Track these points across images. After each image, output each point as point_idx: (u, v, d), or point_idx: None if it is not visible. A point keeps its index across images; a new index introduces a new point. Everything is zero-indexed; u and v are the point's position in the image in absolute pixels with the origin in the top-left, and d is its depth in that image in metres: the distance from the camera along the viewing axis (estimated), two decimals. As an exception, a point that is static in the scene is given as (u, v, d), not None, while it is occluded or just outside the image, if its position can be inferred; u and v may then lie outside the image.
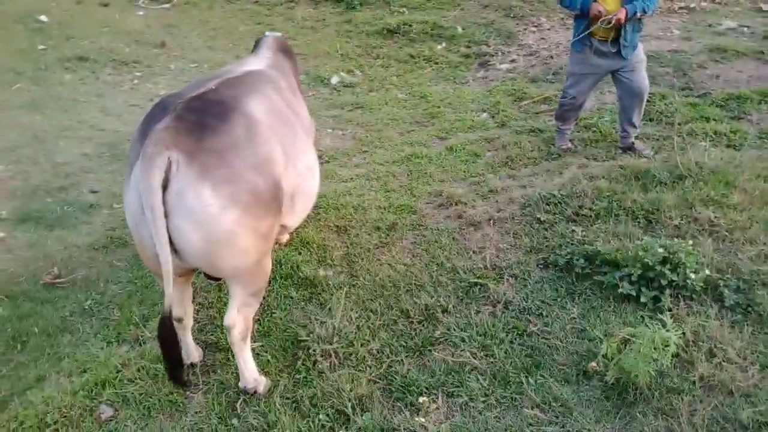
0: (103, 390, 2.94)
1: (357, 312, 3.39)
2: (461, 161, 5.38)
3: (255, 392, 2.88)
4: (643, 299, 2.94)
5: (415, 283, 3.60)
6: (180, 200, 2.30)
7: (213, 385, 3.00)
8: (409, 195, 4.81)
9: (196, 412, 2.83)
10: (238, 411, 2.79)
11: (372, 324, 3.27)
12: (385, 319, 3.32)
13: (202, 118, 2.47)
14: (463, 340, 3.02)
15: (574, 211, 3.90)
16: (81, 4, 11.60)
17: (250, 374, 2.87)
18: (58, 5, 11.47)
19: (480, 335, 3.05)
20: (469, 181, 4.96)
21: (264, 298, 3.60)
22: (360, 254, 4.02)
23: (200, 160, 2.35)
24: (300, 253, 4.04)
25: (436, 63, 8.34)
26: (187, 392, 2.96)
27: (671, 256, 2.97)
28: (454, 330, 3.12)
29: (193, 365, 3.11)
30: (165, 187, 2.30)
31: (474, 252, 3.79)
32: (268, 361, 3.08)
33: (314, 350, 3.08)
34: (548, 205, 4.06)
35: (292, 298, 3.60)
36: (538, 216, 3.96)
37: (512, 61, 7.94)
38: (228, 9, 11.26)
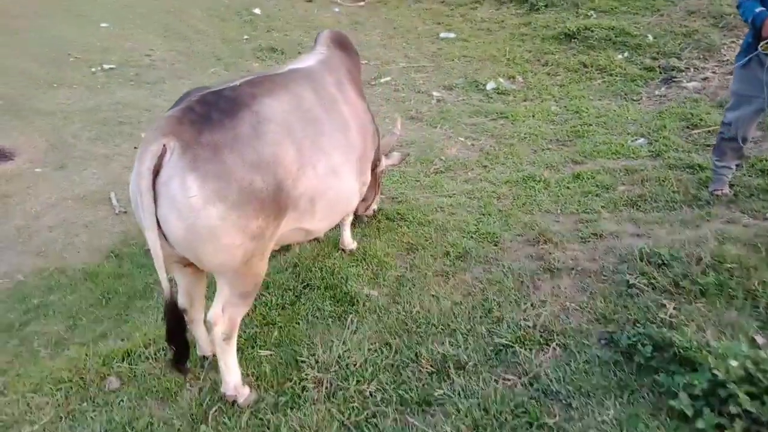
0: (122, 362, 3.14)
1: (372, 343, 3.07)
2: (582, 193, 4.59)
3: (234, 402, 2.77)
4: (700, 424, 2.07)
5: (449, 326, 3.14)
6: (166, 188, 2.28)
7: (212, 383, 2.98)
8: (501, 222, 4.26)
9: (182, 407, 2.85)
10: (209, 420, 2.72)
11: (378, 361, 2.93)
12: (395, 360, 2.95)
13: (209, 111, 2.44)
14: (459, 411, 2.51)
15: (675, 279, 2.99)
16: (290, 0, 12.83)
17: (231, 381, 2.75)
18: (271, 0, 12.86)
19: (481, 410, 2.50)
20: (577, 217, 4.19)
21: (292, 305, 3.53)
22: (415, 279, 3.67)
23: (193, 152, 2.30)
24: (356, 266, 3.85)
25: (610, 74, 7.29)
26: (187, 383, 3.00)
27: (760, 375, 2.05)
28: (457, 394, 2.62)
29: (205, 358, 3.14)
30: (158, 173, 2.30)
31: (533, 305, 3.17)
32: (265, 373, 2.96)
33: (307, 375, 2.87)
34: (649, 264, 3.19)
35: (322, 311, 3.43)
36: (629, 277, 3.14)
37: (704, 79, 6.54)
38: (414, 8, 11.38)
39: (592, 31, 8.12)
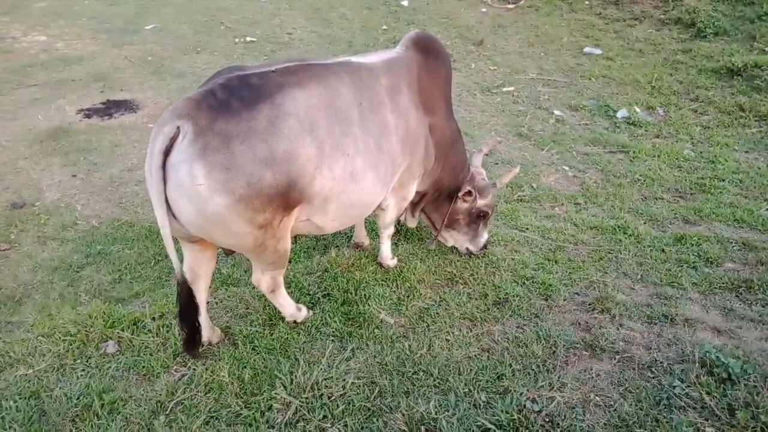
0: (127, 329, 3.20)
1: (358, 378, 2.79)
2: (676, 260, 3.83)
3: (295, 322, 3.23)
4: None
5: (447, 382, 2.75)
6: (175, 172, 2.28)
7: (200, 377, 2.90)
8: (563, 274, 3.70)
9: (155, 390, 2.81)
10: (168, 411, 2.65)
11: (354, 401, 2.65)
12: (372, 404, 2.64)
13: (229, 98, 2.36)
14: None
15: (732, 405, 2.29)
16: (441, -5, 12.58)
17: (287, 312, 3.21)
18: (423, -7, 12.71)
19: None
20: (656, 290, 3.49)
21: (311, 308, 3.36)
22: (438, 316, 3.30)
23: (205, 140, 2.26)
24: (384, 286, 3.57)
25: (770, 124, 6.08)
26: (173, 367, 2.97)
27: None
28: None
29: (211, 344, 3.10)
30: (167, 154, 2.29)
31: (551, 385, 2.65)
32: (243, 379, 2.82)
33: (278, 394, 2.69)
34: (709, 375, 2.50)
35: (328, 326, 3.21)
36: (676, 384, 2.49)
37: None
38: (565, 18, 10.53)
39: (762, 70, 6.83)
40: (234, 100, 2.36)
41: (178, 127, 2.27)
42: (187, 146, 2.26)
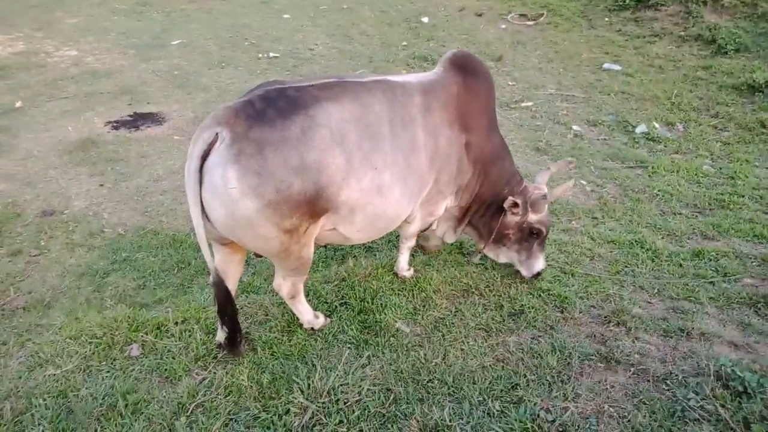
0: (150, 333, 3.30)
1: (374, 384, 2.84)
2: (694, 275, 3.82)
3: (313, 329, 3.30)
4: None
5: (461, 391, 2.79)
6: (210, 175, 2.42)
7: (220, 380, 2.98)
8: (579, 287, 3.71)
9: (177, 392, 2.89)
10: (188, 413, 2.73)
11: (370, 406, 2.69)
12: (388, 411, 2.68)
13: (266, 108, 2.50)
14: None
15: (747, 418, 2.29)
16: (462, 12, 12.73)
17: (305, 319, 3.28)
18: (444, 10, 12.88)
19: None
20: (673, 304, 3.49)
21: (329, 316, 3.42)
22: (454, 327, 3.34)
23: (240, 146, 2.40)
24: (400, 296, 3.62)
25: (792, 140, 6.03)
26: (194, 371, 3.05)
27: None
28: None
29: (221, 346, 3.16)
30: (206, 158, 2.44)
31: (565, 396, 2.67)
32: (262, 384, 2.89)
33: (295, 398, 2.75)
34: (725, 388, 2.50)
35: (345, 334, 3.27)
36: (691, 397, 2.49)
37: None
38: (585, 34, 10.58)
39: (785, 86, 6.80)
40: (271, 110, 2.50)
41: (217, 134, 2.43)
42: (223, 151, 2.40)
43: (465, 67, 3.30)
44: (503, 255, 3.75)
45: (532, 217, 3.54)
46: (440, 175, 3.25)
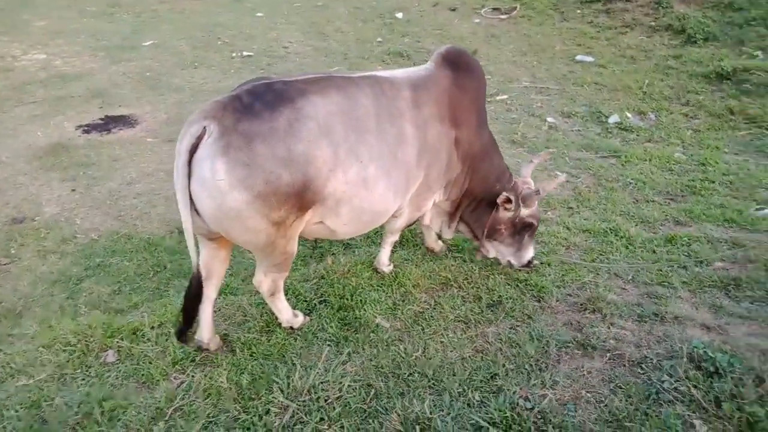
0: (126, 338, 3.25)
1: (354, 381, 2.84)
2: (667, 260, 3.89)
3: (291, 327, 3.28)
4: None
5: (441, 383, 2.80)
6: (198, 168, 2.43)
7: (199, 383, 2.93)
8: (556, 276, 3.75)
9: (155, 397, 2.85)
10: (167, 417, 2.69)
11: (351, 403, 2.69)
12: (368, 406, 2.68)
13: (253, 101, 2.51)
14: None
15: (718, 397, 2.34)
16: (436, 6, 12.75)
17: (284, 318, 3.26)
18: (418, 5, 12.88)
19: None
20: (647, 290, 3.55)
21: (308, 314, 3.41)
22: (433, 320, 3.36)
23: (229, 138, 2.41)
24: (380, 291, 3.62)
25: (759, 127, 6.17)
26: (172, 375, 3.01)
27: None
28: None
29: (200, 349, 3.12)
30: (194, 152, 2.44)
31: (543, 383, 2.70)
32: (241, 385, 2.86)
33: (275, 398, 2.73)
34: (697, 369, 2.55)
35: (325, 331, 3.26)
36: (665, 379, 2.53)
37: None
38: (558, 27, 10.68)
39: (751, 74, 6.95)
40: (258, 103, 2.52)
41: (205, 127, 2.44)
42: (211, 144, 2.42)
43: (458, 64, 3.31)
44: (494, 250, 3.78)
45: (524, 212, 3.58)
46: (429, 170, 3.26)
